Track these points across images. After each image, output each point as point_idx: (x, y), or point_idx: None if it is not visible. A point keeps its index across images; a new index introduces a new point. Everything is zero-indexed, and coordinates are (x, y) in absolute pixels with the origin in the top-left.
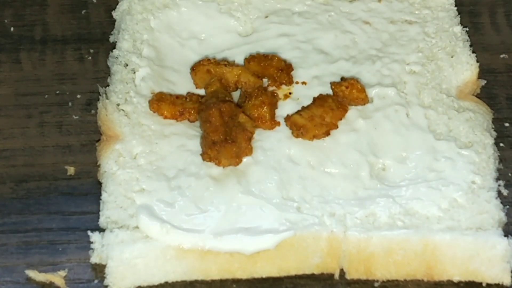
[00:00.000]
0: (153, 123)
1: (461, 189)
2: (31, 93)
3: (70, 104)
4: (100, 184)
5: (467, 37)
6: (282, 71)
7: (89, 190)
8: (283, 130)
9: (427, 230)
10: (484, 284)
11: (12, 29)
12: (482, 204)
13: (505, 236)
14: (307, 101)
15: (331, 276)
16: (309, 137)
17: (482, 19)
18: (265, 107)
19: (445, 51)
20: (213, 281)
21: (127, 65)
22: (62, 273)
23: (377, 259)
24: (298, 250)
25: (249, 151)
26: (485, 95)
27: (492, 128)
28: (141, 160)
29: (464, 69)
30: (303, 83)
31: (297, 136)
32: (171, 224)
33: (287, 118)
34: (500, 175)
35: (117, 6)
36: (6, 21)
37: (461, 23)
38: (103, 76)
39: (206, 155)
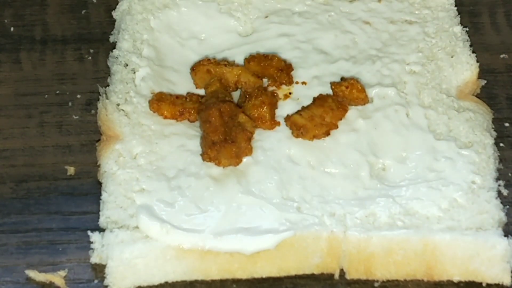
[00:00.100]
0: (153, 123)
1: (461, 189)
2: (31, 93)
3: (70, 104)
4: (100, 184)
5: (467, 37)
6: (282, 71)
7: (89, 190)
8: (283, 130)
9: (427, 230)
10: (484, 284)
11: (12, 29)
12: (482, 204)
13: (505, 236)
14: (307, 101)
15: (331, 276)
16: (309, 137)
17: (482, 19)
18: (265, 107)
19: (445, 51)
20: (213, 281)
21: (127, 65)
22: (62, 273)
23: (377, 259)
24: (298, 250)
25: (249, 151)
26: (485, 95)
27: (492, 128)
28: (141, 160)
29: (464, 69)
30: (303, 83)
31: (297, 136)
32: (171, 224)
33: (287, 118)
34: (500, 175)
35: (117, 6)
36: (6, 21)
37: (461, 23)
38: (103, 76)
39: (206, 155)
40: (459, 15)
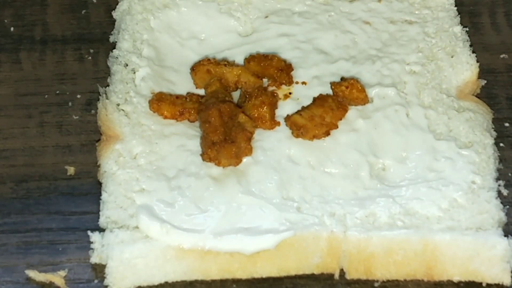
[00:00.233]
0: (153, 123)
1: (461, 189)
2: (31, 93)
3: (70, 104)
4: (100, 184)
5: (467, 37)
6: (282, 71)
7: (89, 190)
8: (283, 130)
9: (427, 230)
10: (484, 284)
11: (12, 29)
12: (482, 204)
13: (505, 236)
14: (307, 101)
15: (331, 276)
16: (309, 137)
17: (482, 19)
18: (265, 107)
19: (445, 51)
20: (213, 281)
21: (127, 65)
22: (62, 273)
23: (377, 259)
24: (298, 250)
25: (248, 151)
26: (485, 95)
27: (492, 128)
28: (141, 160)
29: (464, 69)
30: (303, 83)
31: (297, 136)
32: (171, 224)
33: (287, 118)
34: (500, 175)
35: (117, 6)
36: (6, 21)
37: (461, 23)
38: (103, 76)
39: (206, 155)
40: (459, 15)
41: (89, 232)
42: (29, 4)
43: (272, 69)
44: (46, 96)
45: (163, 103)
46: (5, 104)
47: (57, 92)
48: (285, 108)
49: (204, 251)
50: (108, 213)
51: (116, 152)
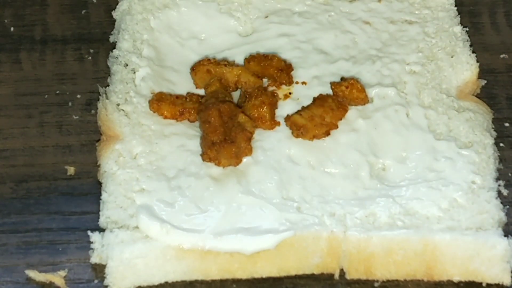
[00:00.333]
0: (153, 123)
1: (461, 189)
2: (31, 93)
3: (70, 104)
4: (100, 184)
5: (467, 37)
6: (282, 71)
7: (89, 190)
8: (283, 130)
9: (427, 230)
10: (484, 284)
11: (12, 29)
12: (482, 204)
13: (505, 236)
14: (307, 101)
15: (331, 276)
16: (309, 137)
17: (482, 19)
18: (265, 107)
19: (445, 51)
20: (213, 281)
21: (127, 65)
22: (62, 273)
23: (377, 259)
24: (298, 250)
25: (248, 151)
26: (485, 95)
27: (492, 128)
28: (141, 160)
29: (464, 69)
30: (303, 83)
31: (297, 136)
32: (171, 224)
33: (287, 118)
34: (500, 175)
35: (117, 6)
36: (6, 21)
37: (461, 23)
38: (103, 76)
39: (205, 156)
40: (459, 15)
41: (89, 232)
42: (29, 4)
43: (272, 69)
44: (46, 96)
45: (163, 103)
46: (5, 104)
47: (57, 92)
48: (285, 108)
49: (204, 251)
50: (108, 213)
51: (116, 152)
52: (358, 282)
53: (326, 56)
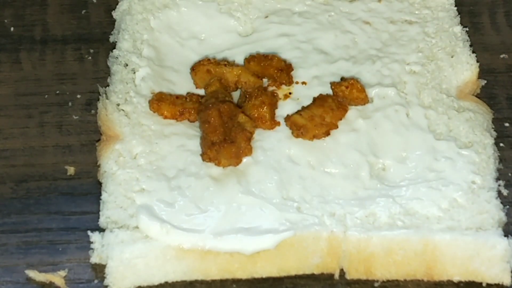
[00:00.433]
0: (153, 123)
1: (461, 189)
2: (31, 93)
3: (70, 104)
4: (100, 184)
5: (467, 37)
6: (282, 71)
7: (89, 190)
8: (283, 130)
9: (427, 230)
10: (484, 284)
11: (12, 29)
12: (482, 204)
13: (505, 236)
14: (307, 101)
15: (331, 276)
16: (309, 137)
17: (482, 19)
18: (265, 107)
19: (445, 51)
20: (213, 281)
21: (127, 65)
22: (62, 273)
23: (377, 259)
24: (298, 250)
25: (248, 151)
26: (485, 95)
27: (492, 128)
28: (141, 160)
29: (464, 69)
30: (303, 83)
31: (297, 136)
32: (171, 224)
33: (287, 118)
34: (500, 175)
35: (117, 6)
36: (6, 21)
37: (461, 23)
38: (103, 76)
39: (205, 156)
40: (459, 15)
41: (89, 232)
42: (29, 4)
43: (272, 69)
44: (46, 96)
45: (163, 103)
46: (5, 104)
47: (57, 92)
48: (285, 108)
49: (204, 251)
50: (108, 213)
51: (116, 152)
52: (358, 282)
53: (326, 56)
